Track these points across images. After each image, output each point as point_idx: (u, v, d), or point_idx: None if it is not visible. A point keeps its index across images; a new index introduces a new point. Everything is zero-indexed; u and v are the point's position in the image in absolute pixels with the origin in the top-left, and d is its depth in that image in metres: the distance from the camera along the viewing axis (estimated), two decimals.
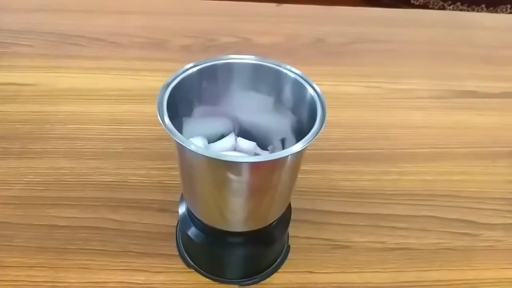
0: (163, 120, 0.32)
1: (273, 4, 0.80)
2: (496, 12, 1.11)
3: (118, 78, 0.63)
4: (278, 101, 0.38)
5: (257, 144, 0.41)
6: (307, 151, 0.33)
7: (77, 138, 0.54)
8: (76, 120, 0.57)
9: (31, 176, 0.50)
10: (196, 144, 0.34)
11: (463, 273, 0.44)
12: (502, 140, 0.58)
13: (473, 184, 0.52)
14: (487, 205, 0.50)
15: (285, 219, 0.42)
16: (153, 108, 0.33)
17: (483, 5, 1.10)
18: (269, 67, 0.37)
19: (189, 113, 0.38)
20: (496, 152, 0.56)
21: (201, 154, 0.31)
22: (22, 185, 0.49)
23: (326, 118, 0.33)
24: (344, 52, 0.72)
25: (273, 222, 0.40)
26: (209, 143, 0.40)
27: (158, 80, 0.35)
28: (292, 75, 0.37)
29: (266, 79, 0.37)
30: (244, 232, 0.39)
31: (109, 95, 0.61)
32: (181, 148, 0.32)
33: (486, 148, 0.57)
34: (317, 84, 0.36)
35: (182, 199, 0.43)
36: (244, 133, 0.41)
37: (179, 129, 0.36)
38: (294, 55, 0.70)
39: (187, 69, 0.36)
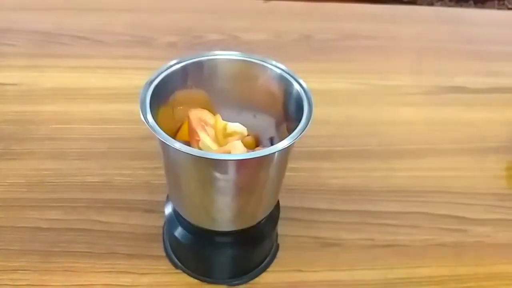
0: (146, 118, 0.32)
1: (260, 1, 0.80)
2: (484, 8, 1.11)
3: (103, 77, 0.62)
4: (265, 98, 0.38)
5: None
6: (295, 148, 0.33)
7: (62, 139, 0.53)
8: (60, 120, 0.55)
9: (14, 178, 0.49)
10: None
11: (453, 269, 0.44)
12: (490, 135, 0.58)
13: (462, 180, 0.52)
14: (476, 201, 0.50)
15: (273, 218, 0.41)
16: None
17: (471, 1, 1.10)
18: (254, 63, 0.36)
19: None
20: (484, 148, 0.56)
21: (186, 152, 0.30)
22: (5, 187, 0.48)
23: (313, 115, 0.33)
24: (332, 48, 0.71)
25: (261, 221, 0.39)
26: None
27: (144, 78, 0.35)
28: (278, 70, 0.36)
29: (251, 75, 0.37)
30: (232, 231, 0.39)
31: (94, 94, 0.60)
32: (165, 147, 0.32)
33: (475, 144, 0.57)
34: (304, 81, 0.35)
35: (168, 199, 0.42)
36: None
37: None
38: (281, 52, 0.70)
39: (171, 66, 0.35)
